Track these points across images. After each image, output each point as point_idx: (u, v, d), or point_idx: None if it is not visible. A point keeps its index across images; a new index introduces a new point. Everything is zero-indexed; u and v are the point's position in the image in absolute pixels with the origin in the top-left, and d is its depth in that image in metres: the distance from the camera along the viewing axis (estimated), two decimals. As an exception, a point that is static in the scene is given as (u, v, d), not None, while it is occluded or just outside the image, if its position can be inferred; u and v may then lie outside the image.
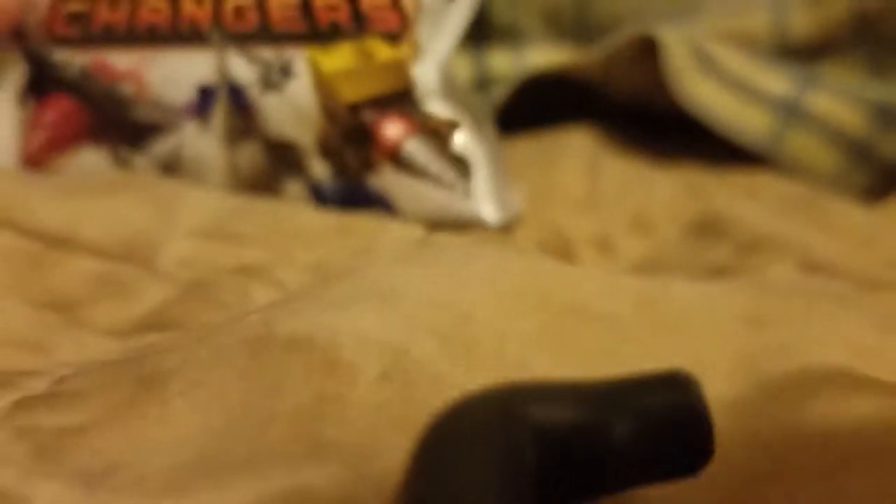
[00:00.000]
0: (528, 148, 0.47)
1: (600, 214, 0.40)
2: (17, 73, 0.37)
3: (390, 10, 0.34)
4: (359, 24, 0.34)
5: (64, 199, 0.30)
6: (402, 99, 0.35)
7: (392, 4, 0.34)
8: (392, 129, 0.35)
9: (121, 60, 0.35)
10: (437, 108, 0.35)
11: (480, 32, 0.51)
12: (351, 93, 0.34)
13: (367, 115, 0.35)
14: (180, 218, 0.30)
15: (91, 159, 0.35)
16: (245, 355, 0.17)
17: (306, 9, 0.34)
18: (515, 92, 0.49)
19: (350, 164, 0.35)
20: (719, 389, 0.16)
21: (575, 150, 0.46)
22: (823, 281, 0.27)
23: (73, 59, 0.36)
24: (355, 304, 0.17)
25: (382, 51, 0.34)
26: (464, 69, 0.52)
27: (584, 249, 0.37)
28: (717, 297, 0.19)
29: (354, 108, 0.35)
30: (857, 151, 0.45)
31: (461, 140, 0.35)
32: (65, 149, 0.35)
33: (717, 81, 0.45)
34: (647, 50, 0.47)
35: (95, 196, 0.30)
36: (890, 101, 0.45)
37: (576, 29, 0.52)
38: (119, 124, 0.36)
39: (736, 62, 0.46)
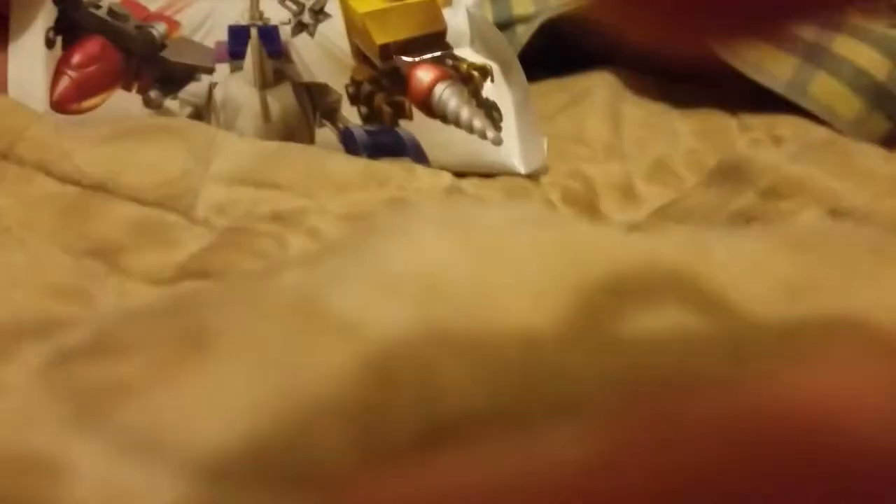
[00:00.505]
0: (550, 93, 0.47)
1: (623, 161, 0.40)
2: (44, 15, 0.36)
3: None
4: None
5: (100, 144, 0.30)
6: (433, 42, 0.35)
7: None
8: (424, 74, 0.35)
9: (152, 1, 0.35)
10: (468, 53, 0.35)
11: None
12: (383, 34, 0.34)
13: (400, 59, 0.34)
14: (216, 164, 0.30)
15: (121, 104, 0.35)
16: (294, 327, 0.16)
17: None
18: (536, 34, 0.49)
19: (382, 108, 0.35)
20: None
21: (596, 97, 0.46)
22: (855, 227, 0.27)
23: (105, 7, 0.35)
24: (397, 290, 0.17)
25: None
26: (484, 11, 0.51)
27: (607, 196, 0.38)
28: (757, 260, 0.18)
29: (386, 51, 0.34)
30: (879, 96, 0.45)
31: (492, 87, 0.35)
32: (94, 93, 0.35)
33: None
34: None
35: (132, 142, 0.30)
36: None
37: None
38: (150, 66, 0.35)
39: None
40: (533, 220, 0.19)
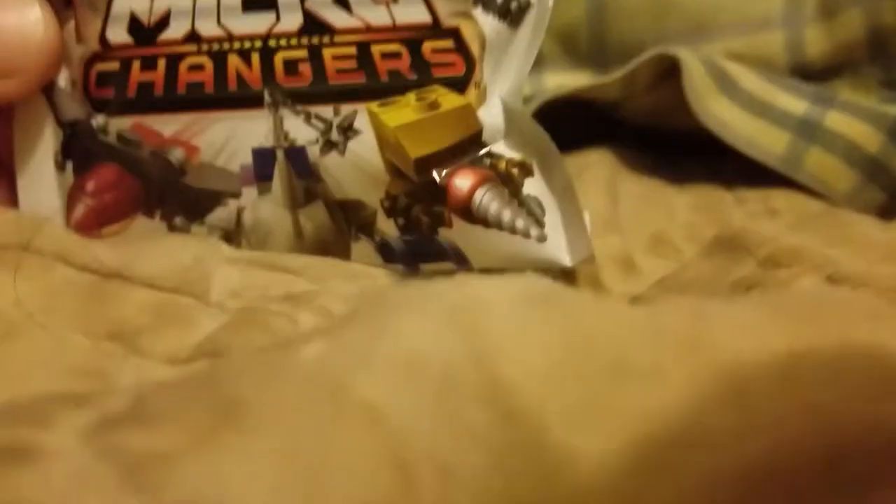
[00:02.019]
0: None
1: (622, 235, 0.41)
2: (50, 138, 0.35)
3: (454, 53, 0.32)
4: (421, 73, 0.32)
5: (115, 241, 0.30)
6: (470, 146, 0.33)
7: (455, 47, 0.32)
8: (463, 182, 0.33)
9: (166, 126, 0.33)
10: (503, 148, 0.33)
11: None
12: (417, 148, 0.32)
13: (436, 169, 0.33)
14: (227, 252, 0.31)
15: (144, 231, 0.34)
16: (321, 409, 0.16)
17: (364, 59, 0.32)
18: (536, 113, 0.50)
19: (420, 219, 0.33)
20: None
21: (594, 173, 0.47)
22: (852, 293, 0.27)
23: (109, 125, 0.34)
24: (415, 379, 0.17)
25: (448, 99, 0.32)
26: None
27: (608, 269, 0.38)
28: (759, 329, 0.19)
29: (422, 164, 0.33)
30: (873, 169, 0.46)
31: (532, 182, 0.34)
32: (114, 220, 0.34)
33: (736, 102, 0.46)
34: (666, 71, 0.48)
35: (146, 239, 0.31)
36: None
37: (592, 53, 0.53)
38: (172, 193, 0.34)
39: (754, 84, 0.47)
40: (540, 299, 0.20)
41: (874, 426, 0.16)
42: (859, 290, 0.29)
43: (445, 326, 0.19)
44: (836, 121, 0.46)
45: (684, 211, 0.44)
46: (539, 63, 0.53)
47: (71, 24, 0.33)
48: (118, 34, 0.33)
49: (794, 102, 0.47)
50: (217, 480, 0.15)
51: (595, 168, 0.48)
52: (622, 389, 0.17)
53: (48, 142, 0.35)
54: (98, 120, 0.34)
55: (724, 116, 0.46)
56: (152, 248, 0.30)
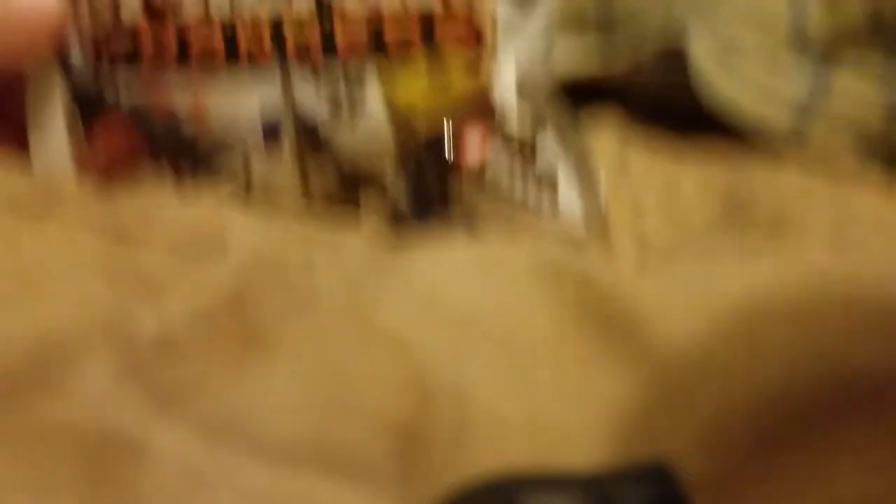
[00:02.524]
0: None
1: (632, 205, 0.42)
2: (61, 94, 0.36)
3: (466, 32, 0.33)
4: (433, 53, 0.33)
5: (133, 195, 0.31)
6: (481, 112, 0.34)
7: (468, 27, 0.33)
8: (473, 154, 0.33)
9: (178, 98, 0.34)
10: (518, 122, 0.34)
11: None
12: (429, 121, 0.33)
13: (447, 130, 0.33)
14: (244, 218, 0.32)
15: (153, 180, 0.35)
16: (345, 337, 0.17)
17: (376, 40, 0.33)
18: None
19: (430, 190, 0.34)
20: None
21: (603, 146, 0.47)
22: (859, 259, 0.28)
23: (125, 94, 0.35)
24: (435, 314, 0.18)
25: (460, 76, 0.33)
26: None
27: (619, 236, 0.39)
28: (770, 271, 0.19)
29: (432, 123, 0.33)
30: (875, 145, 0.46)
31: (545, 155, 0.35)
32: (123, 174, 0.35)
33: (740, 84, 0.47)
34: (672, 52, 0.48)
35: (162, 193, 0.32)
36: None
37: (600, 21, 0.53)
38: (180, 146, 0.34)
39: (757, 67, 0.48)
40: (553, 259, 0.20)
41: (879, 358, 0.17)
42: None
43: (466, 272, 0.19)
44: (838, 100, 0.47)
45: (690, 182, 0.45)
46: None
47: (85, 4, 0.34)
48: (131, 12, 0.34)
49: (795, 85, 0.47)
50: (248, 400, 0.16)
51: (604, 142, 0.48)
52: (631, 333, 0.18)
53: (59, 99, 0.35)
54: (111, 81, 0.34)
55: (730, 96, 0.47)
56: (170, 201, 0.31)
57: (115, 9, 0.34)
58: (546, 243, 0.32)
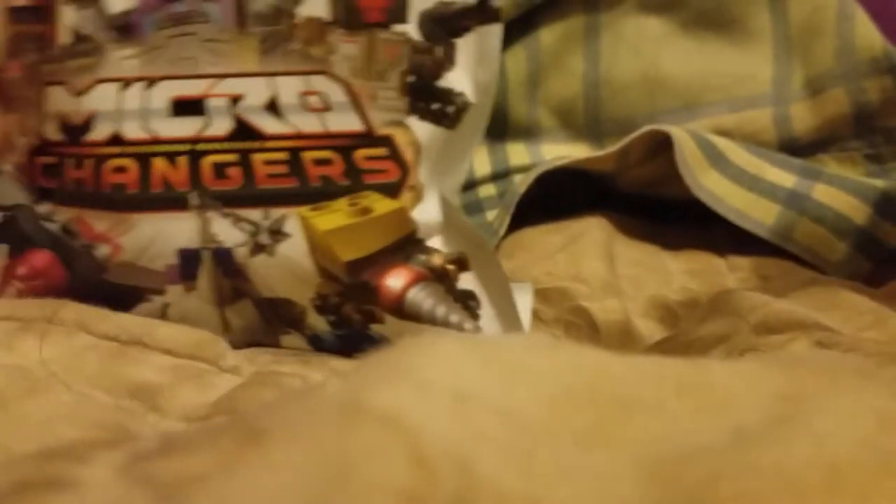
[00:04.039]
0: (548, 234, 0.49)
1: (620, 299, 0.42)
2: None
3: (387, 160, 0.32)
4: (353, 179, 0.32)
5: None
6: (403, 245, 0.33)
7: (389, 154, 0.32)
8: (395, 282, 0.32)
9: (98, 221, 0.33)
10: (441, 245, 0.33)
11: (498, 129, 0.54)
12: (349, 251, 0.32)
13: (368, 271, 0.32)
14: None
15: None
16: (340, 421, 0.17)
17: (295, 164, 0.32)
18: (535, 182, 0.51)
19: (351, 317, 0.33)
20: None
21: (591, 238, 0.48)
22: (841, 355, 0.29)
23: (56, 213, 0.34)
24: (429, 394, 0.18)
25: (381, 204, 0.32)
26: (483, 162, 0.54)
27: (607, 332, 0.40)
28: (753, 376, 0.20)
29: (353, 267, 0.32)
30: (861, 239, 0.47)
31: (468, 276, 0.33)
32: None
33: (727, 175, 0.48)
34: (658, 144, 0.50)
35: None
36: (890, 190, 0.47)
37: (588, 127, 0.55)
38: (95, 286, 0.33)
39: (743, 158, 0.49)
40: (546, 346, 0.21)
41: (872, 455, 0.17)
42: (848, 354, 0.30)
43: (458, 357, 0.20)
44: (824, 193, 0.48)
45: (679, 276, 0.45)
46: (537, 135, 0.55)
47: (14, 116, 0.34)
48: (52, 132, 0.33)
49: (782, 175, 0.48)
50: (244, 490, 0.16)
51: (592, 233, 0.49)
52: (628, 419, 0.18)
53: None
54: (44, 207, 0.34)
55: (715, 189, 0.47)
56: (168, 322, 0.31)
57: (40, 125, 0.33)
58: (536, 334, 0.33)
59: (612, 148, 0.50)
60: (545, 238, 0.49)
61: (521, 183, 0.51)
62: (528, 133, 0.55)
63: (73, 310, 0.30)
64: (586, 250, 0.46)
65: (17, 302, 0.32)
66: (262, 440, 0.17)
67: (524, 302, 0.35)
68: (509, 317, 0.33)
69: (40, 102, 0.33)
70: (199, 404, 0.28)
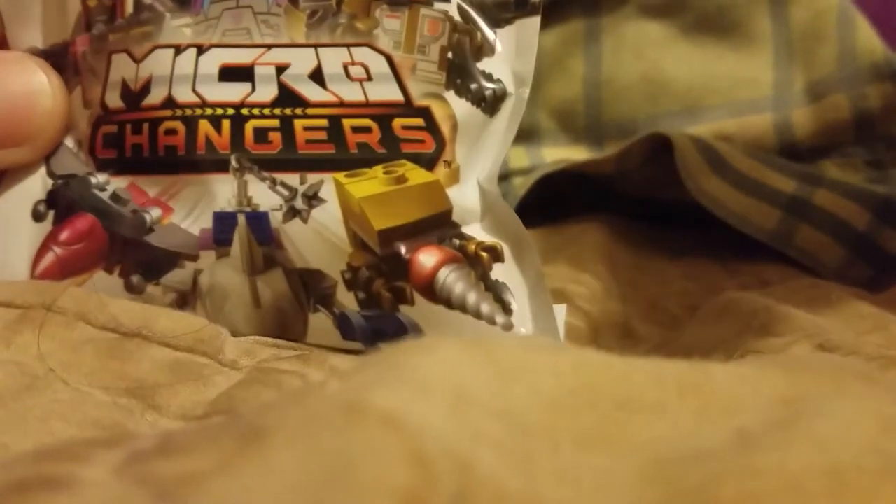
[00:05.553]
0: (547, 237, 0.49)
1: (620, 303, 0.42)
2: (32, 186, 0.35)
3: (424, 130, 0.32)
4: (390, 147, 0.32)
5: (132, 302, 0.32)
6: (438, 223, 0.32)
7: (426, 125, 0.32)
8: (427, 259, 0.32)
9: (152, 186, 0.34)
10: (478, 230, 0.33)
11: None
12: (382, 220, 0.32)
13: (401, 243, 0.32)
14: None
15: (102, 285, 0.34)
16: (339, 421, 0.17)
17: (335, 131, 0.32)
18: (535, 184, 0.51)
19: (381, 294, 0.32)
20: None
21: (591, 241, 0.49)
22: (842, 359, 0.29)
23: (110, 183, 0.34)
24: (428, 394, 0.18)
25: (416, 174, 0.32)
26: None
27: (608, 335, 0.40)
28: (755, 378, 0.20)
29: (386, 237, 0.32)
30: (861, 245, 0.47)
31: (502, 268, 0.33)
32: (77, 273, 0.34)
33: (727, 180, 0.48)
34: (658, 148, 0.50)
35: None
36: (891, 196, 0.47)
37: (588, 130, 0.55)
38: (134, 251, 0.33)
39: (743, 163, 0.49)
40: (547, 347, 0.21)
41: (874, 459, 0.17)
42: (849, 358, 0.30)
43: (458, 358, 0.20)
44: (825, 199, 0.48)
45: (678, 280, 0.45)
46: (537, 138, 0.55)
47: (78, 90, 0.35)
48: (113, 99, 0.34)
49: (783, 181, 0.48)
50: (243, 490, 0.16)
51: (591, 236, 0.49)
52: (629, 420, 0.18)
53: (30, 191, 0.35)
54: (100, 178, 0.34)
55: (716, 194, 0.47)
56: (169, 310, 0.32)
57: (103, 97, 0.34)
58: (537, 337, 0.32)
59: (613, 151, 0.50)
60: (544, 240, 0.49)
61: (521, 186, 0.51)
62: (528, 135, 0.55)
63: (72, 297, 0.30)
64: (586, 253, 0.46)
65: (17, 286, 0.32)
66: (262, 440, 0.17)
67: (558, 321, 0.33)
68: (544, 319, 0.33)
69: (106, 72, 0.34)
70: (198, 402, 0.28)
